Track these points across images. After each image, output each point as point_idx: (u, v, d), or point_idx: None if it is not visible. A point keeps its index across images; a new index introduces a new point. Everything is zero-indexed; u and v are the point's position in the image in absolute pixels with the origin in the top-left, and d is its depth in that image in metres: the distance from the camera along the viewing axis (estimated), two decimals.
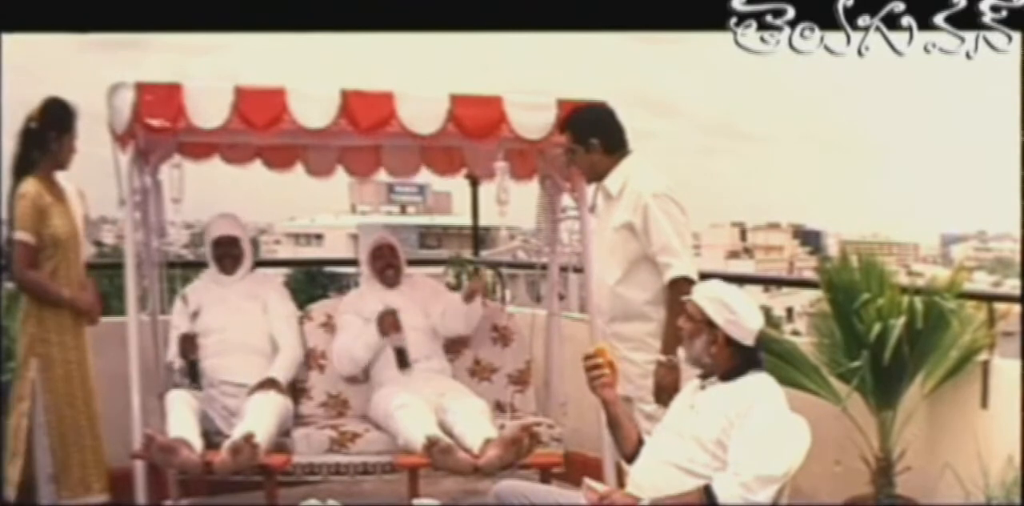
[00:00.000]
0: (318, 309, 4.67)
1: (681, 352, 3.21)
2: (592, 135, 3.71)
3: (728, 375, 2.98)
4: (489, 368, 4.61)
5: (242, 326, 4.35)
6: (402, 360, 4.29)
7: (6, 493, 3.87)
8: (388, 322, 4.31)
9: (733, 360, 2.97)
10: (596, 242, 3.94)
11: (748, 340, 2.97)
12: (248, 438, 3.76)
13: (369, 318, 4.41)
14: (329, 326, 4.60)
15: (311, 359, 4.51)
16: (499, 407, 4.36)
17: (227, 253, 4.47)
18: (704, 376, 3.04)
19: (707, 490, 2.83)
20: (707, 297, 3.00)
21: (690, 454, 2.91)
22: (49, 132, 3.91)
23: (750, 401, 2.89)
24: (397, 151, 4.70)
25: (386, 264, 4.58)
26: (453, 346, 4.61)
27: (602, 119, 3.78)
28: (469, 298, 4.43)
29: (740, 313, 2.96)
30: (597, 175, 3.76)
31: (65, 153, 3.96)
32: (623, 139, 3.77)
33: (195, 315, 4.35)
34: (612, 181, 3.70)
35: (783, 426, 2.88)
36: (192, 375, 4.24)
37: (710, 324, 2.96)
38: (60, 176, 3.99)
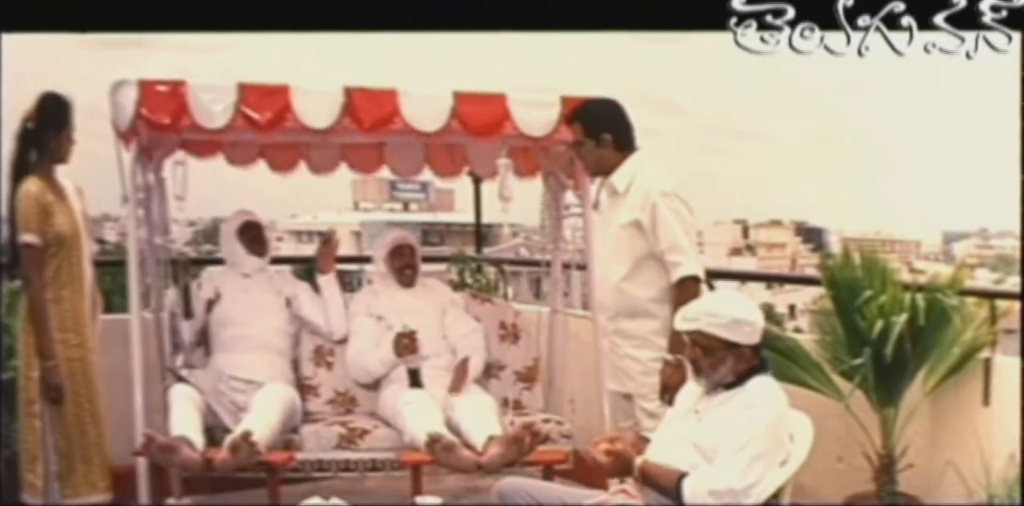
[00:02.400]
0: None
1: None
2: (605, 130, 3.68)
3: (734, 381, 2.98)
4: (497, 365, 4.60)
5: (264, 322, 4.35)
6: (415, 381, 4.22)
7: (25, 496, 3.88)
8: (404, 344, 4.27)
9: (749, 363, 2.98)
10: (600, 239, 3.92)
11: (760, 338, 2.96)
12: (245, 436, 3.74)
13: (382, 316, 4.42)
14: None
15: (318, 357, 4.51)
16: (506, 404, 4.35)
17: (257, 237, 4.47)
18: None
19: (678, 482, 2.83)
20: (716, 324, 2.92)
21: (692, 460, 2.91)
22: (47, 131, 3.89)
23: (746, 407, 2.89)
24: (400, 149, 4.70)
25: (405, 264, 4.57)
26: None
27: (615, 115, 3.75)
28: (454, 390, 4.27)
29: (752, 319, 2.94)
30: (603, 170, 3.74)
31: (64, 148, 3.95)
32: (632, 136, 3.74)
33: (210, 303, 4.35)
34: (619, 178, 3.68)
35: (768, 438, 2.87)
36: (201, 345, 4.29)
37: (732, 346, 2.92)
38: (60, 174, 3.98)
